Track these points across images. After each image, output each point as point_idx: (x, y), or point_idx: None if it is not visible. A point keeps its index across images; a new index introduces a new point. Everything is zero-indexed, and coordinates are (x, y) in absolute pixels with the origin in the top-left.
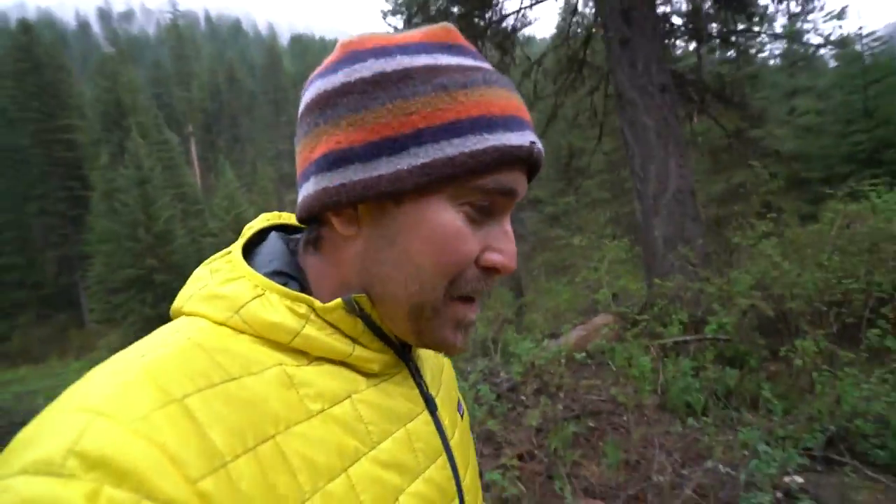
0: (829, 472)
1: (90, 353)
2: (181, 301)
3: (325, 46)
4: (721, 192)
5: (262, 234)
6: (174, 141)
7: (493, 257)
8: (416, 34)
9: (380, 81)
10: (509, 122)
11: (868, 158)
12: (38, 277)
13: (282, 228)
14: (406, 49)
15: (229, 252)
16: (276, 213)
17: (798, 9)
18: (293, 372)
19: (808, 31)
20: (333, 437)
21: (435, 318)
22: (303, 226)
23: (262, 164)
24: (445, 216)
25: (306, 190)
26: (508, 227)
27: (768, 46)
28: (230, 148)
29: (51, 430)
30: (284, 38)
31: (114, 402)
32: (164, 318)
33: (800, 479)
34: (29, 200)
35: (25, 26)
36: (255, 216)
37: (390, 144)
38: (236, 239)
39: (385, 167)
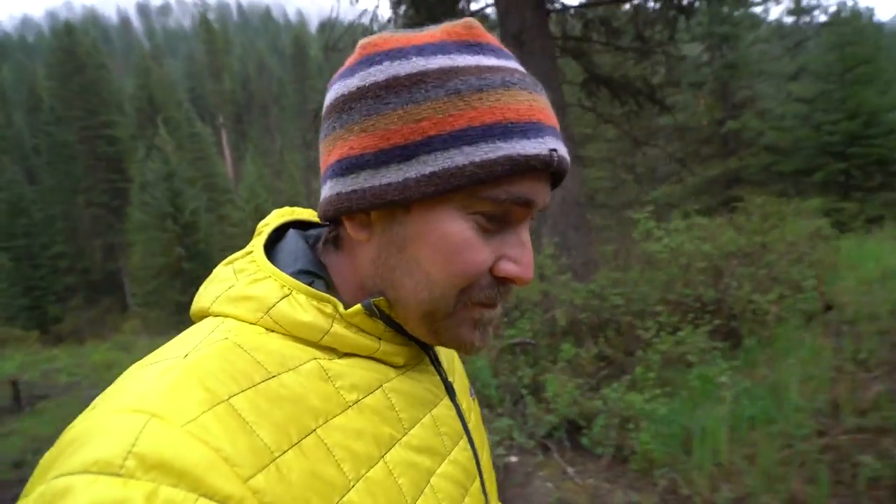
0: (544, 455)
1: (116, 336)
2: (207, 302)
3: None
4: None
5: (277, 231)
6: (205, 133)
7: (507, 267)
8: (437, 32)
9: (392, 86)
10: (527, 129)
11: (838, 153)
12: (87, 264)
13: (296, 224)
14: (423, 50)
15: (250, 252)
16: (288, 208)
17: None
18: (328, 365)
19: (815, 7)
20: (370, 425)
21: (448, 319)
22: (316, 220)
23: (289, 153)
24: (454, 225)
25: (324, 192)
26: (525, 236)
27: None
28: (260, 137)
29: (106, 429)
30: (314, 24)
31: (165, 403)
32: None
33: (514, 459)
34: (77, 193)
35: (68, 28)
36: (277, 206)
37: (399, 152)
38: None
39: (394, 175)
